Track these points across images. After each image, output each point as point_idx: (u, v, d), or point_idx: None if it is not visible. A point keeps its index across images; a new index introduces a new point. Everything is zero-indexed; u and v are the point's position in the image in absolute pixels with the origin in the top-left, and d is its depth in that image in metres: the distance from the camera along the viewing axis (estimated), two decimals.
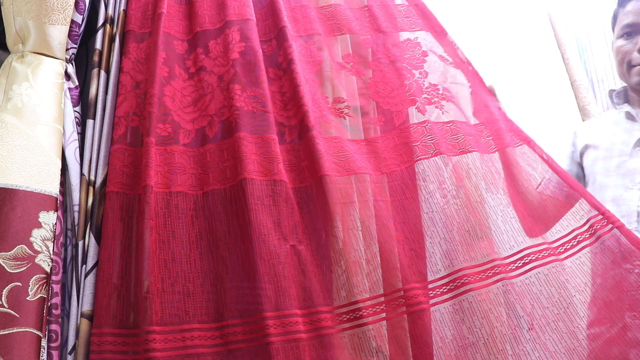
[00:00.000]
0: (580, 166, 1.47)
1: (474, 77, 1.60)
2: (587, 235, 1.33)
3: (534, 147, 1.46)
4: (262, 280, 1.20)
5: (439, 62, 1.62)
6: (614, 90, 1.44)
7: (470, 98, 1.58)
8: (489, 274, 1.29)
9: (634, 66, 1.33)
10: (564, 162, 1.52)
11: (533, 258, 1.33)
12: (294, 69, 1.43)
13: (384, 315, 1.26)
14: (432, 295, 1.29)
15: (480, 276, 1.29)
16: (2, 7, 1.30)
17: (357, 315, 1.24)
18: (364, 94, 1.53)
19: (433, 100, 1.53)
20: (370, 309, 1.25)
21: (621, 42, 1.37)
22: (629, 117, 1.38)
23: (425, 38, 1.64)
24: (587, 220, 1.34)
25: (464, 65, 1.62)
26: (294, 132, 1.41)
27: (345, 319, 1.25)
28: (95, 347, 1.15)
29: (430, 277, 1.33)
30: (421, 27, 1.65)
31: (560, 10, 2.28)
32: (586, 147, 1.44)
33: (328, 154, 1.38)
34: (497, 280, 1.28)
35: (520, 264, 1.33)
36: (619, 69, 1.40)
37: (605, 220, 1.32)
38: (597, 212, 1.33)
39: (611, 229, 1.30)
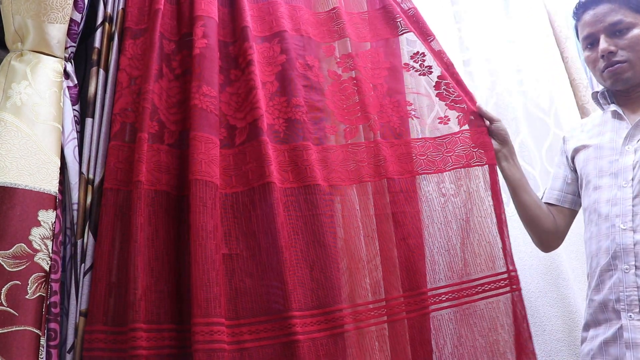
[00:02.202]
0: (575, 170, 1.47)
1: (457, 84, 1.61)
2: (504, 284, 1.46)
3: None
4: (195, 285, 1.19)
5: (404, 72, 1.62)
6: (598, 92, 1.46)
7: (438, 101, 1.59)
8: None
9: (603, 71, 1.39)
10: (560, 170, 1.53)
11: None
12: (252, 71, 1.42)
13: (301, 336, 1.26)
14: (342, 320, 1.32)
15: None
16: (1, 6, 1.29)
17: (286, 331, 1.24)
18: (321, 100, 1.52)
19: (388, 118, 1.55)
20: (300, 325, 1.25)
21: (587, 52, 1.43)
22: (616, 116, 1.39)
23: (388, 46, 1.64)
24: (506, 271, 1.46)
25: (447, 69, 1.62)
26: (243, 134, 1.40)
27: (265, 332, 1.25)
28: (86, 345, 1.16)
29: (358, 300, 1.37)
30: (386, 34, 1.65)
31: (560, 8, 2.28)
32: (576, 150, 1.46)
33: (276, 162, 1.38)
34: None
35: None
36: (595, 76, 1.46)
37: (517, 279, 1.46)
38: (513, 268, 1.46)
39: (517, 289, 1.46)
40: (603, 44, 1.35)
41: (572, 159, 1.47)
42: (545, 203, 1.53)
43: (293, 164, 1.41)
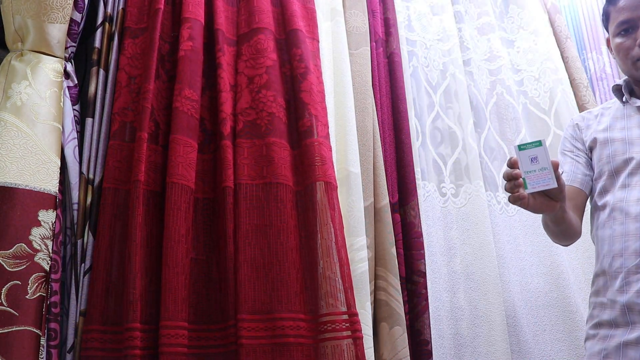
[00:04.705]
0: (588, 160, 1.40)
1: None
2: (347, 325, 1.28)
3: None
4: (164, 288, 1.20)
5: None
6: (620, 85, 1.40)
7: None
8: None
9: (639, 59, 1.31)
10: (581, 155, 1.42)
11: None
12: (218, 74, 1.42)
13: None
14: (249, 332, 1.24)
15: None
16: (1, 6, 1.29)
17: (232, 339, 1.22)
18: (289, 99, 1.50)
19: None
20: (246, 330, 1.22)
21: (619, 39, 1.34)
22: None
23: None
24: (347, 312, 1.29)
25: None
26: (214, 140, 1.40)
27: (216, 340, 1.25)
28: (83, 344, 1.16)
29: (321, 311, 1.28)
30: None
31: (560, 8, 2.28)
32: (595, 140, 1.37)
33: (244, 162, 1.36)
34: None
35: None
36: (622, 65, 1.37)
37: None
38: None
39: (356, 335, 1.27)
40: None
41: (590, 149, 1.39)
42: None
43: (269, 160, 1.39)
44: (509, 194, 1.13)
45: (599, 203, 1.33)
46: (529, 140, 1.25)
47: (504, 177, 1.13)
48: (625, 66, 1.36)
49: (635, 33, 1.31)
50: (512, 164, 1.11)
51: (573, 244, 1.42)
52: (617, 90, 1.40)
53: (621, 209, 1.26)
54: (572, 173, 1.39)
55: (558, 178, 1.10)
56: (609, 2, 1.38)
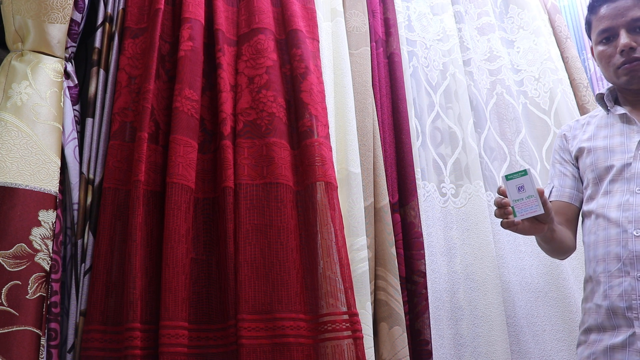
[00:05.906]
0: (576, 171, 1.44)
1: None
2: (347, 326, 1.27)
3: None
4: (164, 288, 1.20)
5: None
6: (603, 94, 1.43)
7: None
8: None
9: (619, 67, 1.34)
10: (568, 168, 1.46)
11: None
12: (218, 74, 1.41)
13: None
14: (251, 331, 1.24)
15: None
16: (1, 6, 1.29)
17: (232, 339, 1.22)
18: (289, 99, 1.50)
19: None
20: (246, 330, 1.22)
21: (601, 47, 1.38)
22: (625, 119, 1.36)
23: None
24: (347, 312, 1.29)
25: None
26: (215, 139, 1.40)
27: (218, 340, 1.25)
28: (83, 344, 1.16)
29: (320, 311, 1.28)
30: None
31: (560, 8, 2.28)
32: (580, 150, 1.41)
33: (244, 162, 1.36)
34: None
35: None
36: (605, 73, 1.40)
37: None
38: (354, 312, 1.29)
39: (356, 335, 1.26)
40: (624, 38, 1.31)
41: (576, 158, 1.42)
42: (554, 201, 1.43)
43: (269, 160, 1.39)
44: (501, 220, 1.20)
45: (585, 210, 1.37)
46: (517, 170, 1.31)
47: (494, 204, 1.20)
48: (607, 73, 1.39)
49: (616, 41, 1.33)
50: (502, 193, 1.19)
51: None
52: (600, 99, 1.43)
53: (603, 215, 1.29)
54: (560, 188, 1.44)
55: (544, 203, 1.17)
56: (591, 11, 1.41)
